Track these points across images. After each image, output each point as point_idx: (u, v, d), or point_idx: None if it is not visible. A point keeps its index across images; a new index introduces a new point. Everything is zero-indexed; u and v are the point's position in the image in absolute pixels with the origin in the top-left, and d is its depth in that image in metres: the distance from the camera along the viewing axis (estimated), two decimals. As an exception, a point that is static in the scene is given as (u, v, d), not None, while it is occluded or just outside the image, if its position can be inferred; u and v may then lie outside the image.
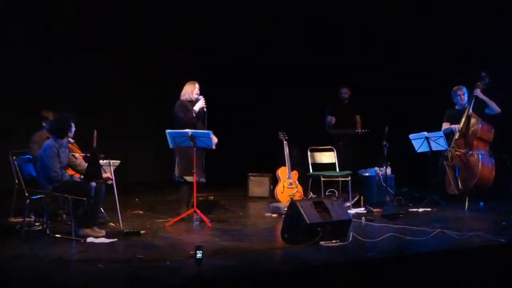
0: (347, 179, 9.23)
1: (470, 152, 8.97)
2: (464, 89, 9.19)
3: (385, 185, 9.26)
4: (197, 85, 8.28)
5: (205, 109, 8.15)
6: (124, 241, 6.76)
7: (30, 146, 7.89)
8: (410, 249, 6.39)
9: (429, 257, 6.14)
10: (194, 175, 7.81)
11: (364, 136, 10.27)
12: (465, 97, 9.17)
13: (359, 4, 11.41)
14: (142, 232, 7.17)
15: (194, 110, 8.12)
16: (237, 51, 12.38)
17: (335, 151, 9.78)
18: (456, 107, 9.28)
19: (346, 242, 6.52)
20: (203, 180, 8.20)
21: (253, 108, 12.21)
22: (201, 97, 8.19)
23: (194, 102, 8.20)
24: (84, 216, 6.94)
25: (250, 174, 10.72)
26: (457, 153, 9.07)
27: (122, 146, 10.43)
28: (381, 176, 9.33)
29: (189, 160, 7.90)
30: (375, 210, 8.82)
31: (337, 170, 9.61)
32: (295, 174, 9.61)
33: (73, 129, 7.11)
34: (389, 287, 5.72)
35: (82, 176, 7.27)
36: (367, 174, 9.57)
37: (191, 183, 7.94)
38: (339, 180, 9.41)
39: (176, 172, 8.13)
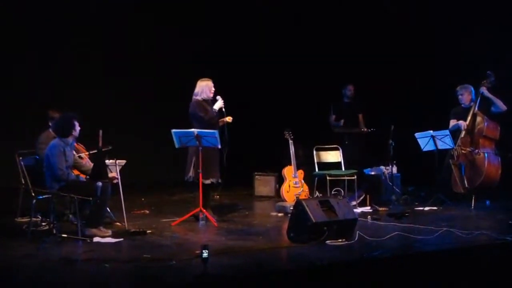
0: (353, 178, 9.23)
1: (476, 150, 8.95)
2: (470, 88, 9.16)
3: (391, 184, 9.26)
4: (212, 83, 8.17)
5: (223, 109, 8.10)
6: (130, 241, 6.78)
7: (38, 147, 7.90)
8: (416, 248, 6.39)
9: (435, 256, 6.13)
10: (200, 174, 7.79)
11: (370, 135, 10.26)
12: (466, 97, 9.13)
13: (363, 3, 11.40)
14: (148, 231, 7.18)
15: (215, 109, 8.05)
16: (241, 50, 12.39)
17: (340, 150, 9.78)
18: (462, 105, 9.26)
19: (352, 241, 6.52)
20: (219, 180, 8.15)
21: (258, 107, 12.21)
22: (219, 96, 8.11)
23: (210, 101, 8.13)
24: (90, 216, 6.96)
25: (256, 173, 10.73)
26: (463, 151, 9.06)
27: (128, 146, 10.45)
28: (387, 175, 9.33)
29: (207, 163, 7.84)
30: (381, 209, 8.82)
31: (343, 169, 9.61)
32: (300, 173, 9.61)
33: (78, 128, 7.11)
34: (395, 286, 5.72)
35: (87, 177, 7.28)
36: (373, 173, 9.58)
37: (206, 185, 7.91)
38: (345, 179, 9.40)
39: (192, 174, 8.02)
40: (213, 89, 8.14)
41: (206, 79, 8.19)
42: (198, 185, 7.87)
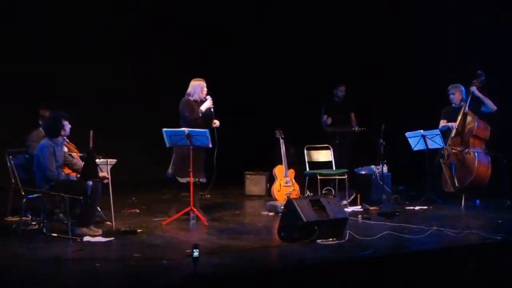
0: (344, 177, 9.25)
1: (466, 150, 8.99)
2: (461, 88, 9.20)
3: (381, 183, 9.27)
4: (205, 83, 8.16)
5: (212, 109, 8.08)
6: (121, 240, 6.76)
7: (29, 145, 7.87)
8: (407, 247, 6.40)
9: (426, 255, 6.15)
10: (191, 174, 7.79)
11: (360, 134, 10.27)
12: (457, 96, 9.17)
13: (360, 3, 11.43)
14: (138, 231, 7.17)
15: (201, 110, 8.03)
16: (233, 49, 12.39)
17: (331, 149, 9.80)
18: (453, 105, 9.29)
19: (343, 240, 6.53)
20: (203, 180, 8.16)
21: (249, 106, 12.21)
22: (208, 97, 8.09)
23: (200, 101, 8.11)
24: (80, 215, 6.94)
25: (246, 172, 10.73)
26: (453, 151, 9.09)
27: (119, 145, 10.42)
28: (377, 174, 9.34)
29: (186, 161, 7.85)
30: (371, 208, 8.84)
31: (334, 168, 9.62)
32: (291, 172, 9.61)
33: (67, 127, 7.08)
34: (385, 285, 5.73)
35: (78, 175, 7.26)
36: (363, 172, 9.59)
37: (181, 184, 7.97)
38: (335, 178, 9.42)
39: (170, 170, 8.10)
40: (206, 89, 8.13)
41: (199, 79, 8.18)
42: (175, 183, 8.02)
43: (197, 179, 7.98)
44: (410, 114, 10.20)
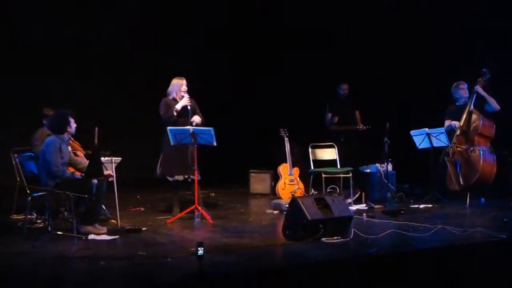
0: (348, 175, 9.24)
1: (471, 148, 8.97)
2: (465, 85, 9.19)
3: (386, 181, 9.27)
4: (184, 82, 8.16)
5: (189, 107, 8.05)
6: (125, 238, 6.77)
7: (33, 144, 7.89)
8: (411, 246, 6.39)
9: (430, 253, 6.14)
10: (196, 172, 7.80)
11: (365, 133, 10.27)
12: (464, 92, 9.17)
13: (361, 1, 11.41)
14: (143, 229, 7.18)
15: (176, 108, 8.02)
16: (236, 47, 12.38)
17: (336, 148, 9.79)
18: (457, 103, 9.28)
19: (348, 239, 6.52)
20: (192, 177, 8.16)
21: (254, 104, 12.21)
22: (186, 94, 8.08)
23: (180, 99, 8.12)
24: (85, 213, 6.95)
25: (251, 170, 10.73)
26: (458, 149, 9.07)
27: (123, 143, 10.44)
28: (382, 173, 9.34)
29: (172, 160, 7.91)
30: (376, 206, 8.83)
31: (338, 166, 9.61)
32: (296, 170, 9.61)
33: (73, 124, 7.09)
34: (390, 283, 5.72)
35: (83, 174, 7.27)
36: (368, 171, 9.59)
37: (171, 183, 8.06)
38: (340, 177, 9.42)
39: (158, 171, 8.15)
40: (185, 87, 8.13)
41: (179, 78, 8.21)
42: (165, 182, 8.12)
43: (187, 176, 7.99)
44: (414, 113, 10.18)
